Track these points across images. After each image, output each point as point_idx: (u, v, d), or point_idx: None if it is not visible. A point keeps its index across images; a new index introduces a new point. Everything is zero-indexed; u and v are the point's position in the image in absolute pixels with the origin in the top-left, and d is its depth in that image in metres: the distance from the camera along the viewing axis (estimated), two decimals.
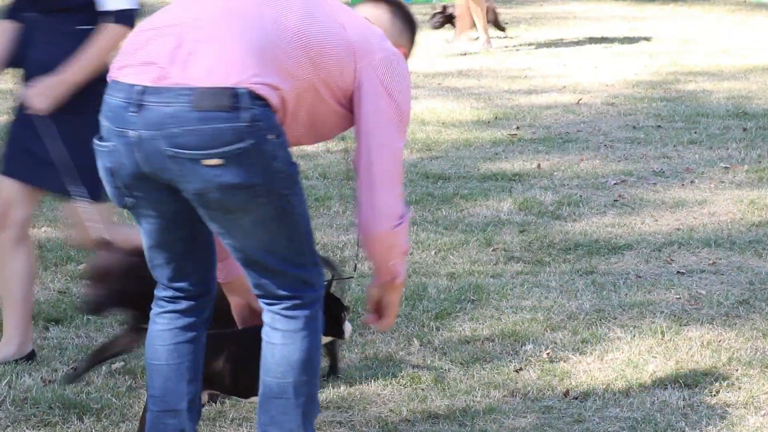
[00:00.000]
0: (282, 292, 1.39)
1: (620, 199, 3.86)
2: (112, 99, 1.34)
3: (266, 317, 1.42)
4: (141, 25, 1.53)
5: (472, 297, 2.72)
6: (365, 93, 1.39)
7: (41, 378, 2.11)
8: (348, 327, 1.72)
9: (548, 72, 6.85)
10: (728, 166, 4.33)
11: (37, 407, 1.94)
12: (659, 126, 5.21)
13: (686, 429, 1.88)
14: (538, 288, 2.81)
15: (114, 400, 1.98)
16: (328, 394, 2.01)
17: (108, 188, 1.42)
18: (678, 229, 3.45)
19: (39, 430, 1.87)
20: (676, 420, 1.91)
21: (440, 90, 6.32)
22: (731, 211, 3.68)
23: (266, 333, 1.42)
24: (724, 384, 2.09)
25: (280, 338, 1.40)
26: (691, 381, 2.10)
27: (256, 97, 1.26)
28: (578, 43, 8.02)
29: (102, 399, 1.97)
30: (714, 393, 2.05)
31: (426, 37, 6.68)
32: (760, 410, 1.96)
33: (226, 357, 1.64)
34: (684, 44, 7.85)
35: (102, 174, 1.40)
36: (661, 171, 4.31)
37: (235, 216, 1.32)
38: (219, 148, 1.25)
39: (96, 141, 1.38)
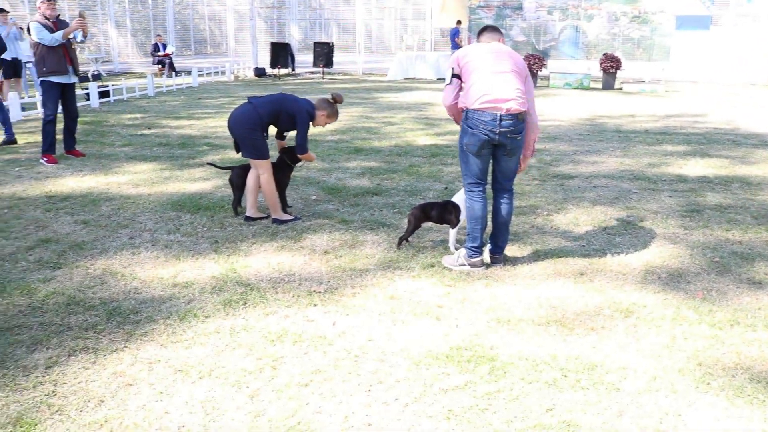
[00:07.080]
0: (510, 184, 4.01)
1: None
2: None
3: (505, 193, 3.99)
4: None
5: None
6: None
7: None
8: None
9: None
10: None
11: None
12: None
13: None
14: None
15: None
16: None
17: (476, 147, 3.78)
18: None
19: None
20: None
21: None
22: None
23: (504, 198, 3.99)
24: None
25: (508, 199, 3.99)
26: None
27: None
28: None
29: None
30: None
31: None
32: None
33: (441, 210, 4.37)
34: None
35: (477, 141, 3.77)
36: None
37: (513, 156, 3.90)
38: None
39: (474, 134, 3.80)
